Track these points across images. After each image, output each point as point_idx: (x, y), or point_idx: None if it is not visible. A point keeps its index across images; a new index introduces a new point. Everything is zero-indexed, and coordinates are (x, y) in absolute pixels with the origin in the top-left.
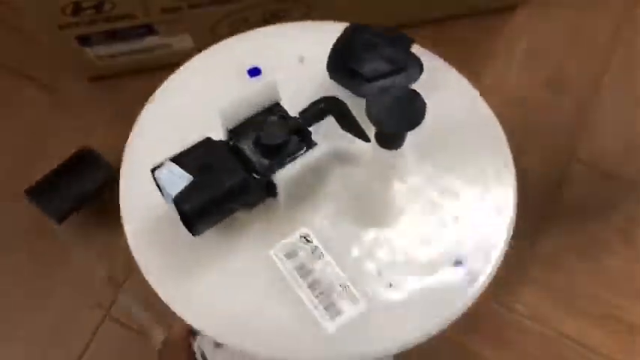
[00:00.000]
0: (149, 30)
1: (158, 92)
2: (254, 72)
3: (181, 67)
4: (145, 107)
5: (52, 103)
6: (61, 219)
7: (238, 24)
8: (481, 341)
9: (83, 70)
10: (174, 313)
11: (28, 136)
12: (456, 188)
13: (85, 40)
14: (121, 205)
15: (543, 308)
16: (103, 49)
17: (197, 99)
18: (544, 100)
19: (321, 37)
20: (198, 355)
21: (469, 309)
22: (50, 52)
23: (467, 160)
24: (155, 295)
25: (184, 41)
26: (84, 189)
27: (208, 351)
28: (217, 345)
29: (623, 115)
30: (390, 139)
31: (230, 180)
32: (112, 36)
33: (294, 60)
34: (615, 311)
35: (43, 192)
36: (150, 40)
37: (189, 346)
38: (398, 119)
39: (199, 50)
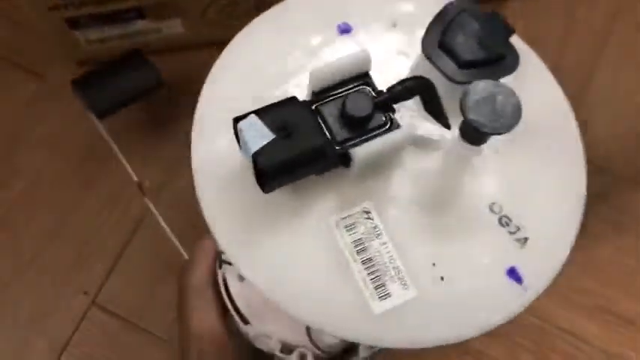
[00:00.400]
0: (138, 14)
1: (235, 40)
2: (344, 29)
3: (261, 16)
4: (221, 56)
5: (41, 89)
6: (102, 114)
7: (229, 9)
8: None
9: (72, 56)
10: (199, 237)
11: (15, 121)
12: (527, 197)
13: (74, 23)
14: (192, 153)
15: (536, 300)
16: (92, 33)
17: (275, 50)
18: None
19: (418, 1)
20: (220, 279)
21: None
22: (39, 37)
23: (543, 172)
24: (182, 218)
25: (174, 26)
26: (130, 88)
27: (230, 279)
28: (241, 278)
29: (615, 109)
30: (476, 136)
31: (310, 144)
32: (102, 19)
33: (387, 23)
34: (607, 303)
35: (90, 84)
36: (139, 25)
37: (214, 271)
38: (492, 118)
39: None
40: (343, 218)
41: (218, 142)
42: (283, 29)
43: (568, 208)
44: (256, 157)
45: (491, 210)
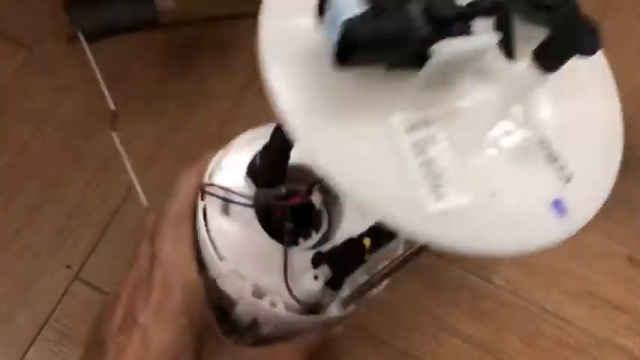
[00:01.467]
0: None
1: None
2: None
3: None
4: None
5: (28, 63)
6: (91, 37)
7: None
8: (459, 314)
9: (63, 30)
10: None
11: (0, 94)
12: (576, 135)
13: None
14: (260, 29)
15: (522, 282)
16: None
17: None
18: None
19: None
20: (199, 210)
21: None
22: (29, 7)
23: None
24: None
25: (167, 1)
26: (124, 16)
27: (212, 212)
28: (224, 212)
29: None
30: (559, 52)
31: (399, 28)
32: None
33: None
34: (593, 287)
35: (83, 4)
36: None
37: (194, 202)
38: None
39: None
40: (405, 117)
41: (291, 18)
42: None
43: (610, 145)
44: (345, 26)
45: (545, 144)
